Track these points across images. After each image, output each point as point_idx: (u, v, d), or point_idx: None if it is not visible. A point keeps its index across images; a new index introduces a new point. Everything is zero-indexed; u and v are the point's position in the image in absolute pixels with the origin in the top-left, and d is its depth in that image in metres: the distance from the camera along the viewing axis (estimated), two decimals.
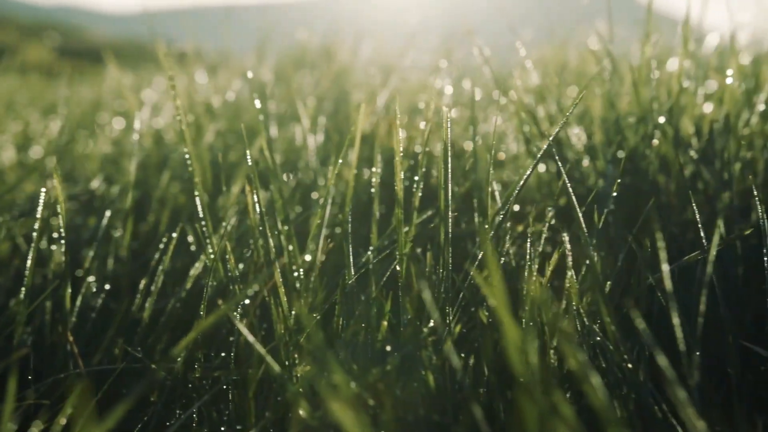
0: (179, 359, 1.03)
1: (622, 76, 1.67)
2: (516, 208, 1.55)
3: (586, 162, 1.57)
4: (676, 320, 0.76)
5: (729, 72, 1.42)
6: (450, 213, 0.99)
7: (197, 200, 1.18)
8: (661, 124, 1.45)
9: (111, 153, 2.03)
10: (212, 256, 1.15)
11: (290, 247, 1.22)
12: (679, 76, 1.49)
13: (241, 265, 1.30)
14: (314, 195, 1.63)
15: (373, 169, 1.35)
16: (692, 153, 1.40)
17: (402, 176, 0.97)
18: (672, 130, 1.48)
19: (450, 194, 0.99)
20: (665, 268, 0.74)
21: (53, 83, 5.37)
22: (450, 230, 1.00)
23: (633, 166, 1.50)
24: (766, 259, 0.99)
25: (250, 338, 0.77)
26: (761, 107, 1.45)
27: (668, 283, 0.75)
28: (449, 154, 0.99)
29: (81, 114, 2.68)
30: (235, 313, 1.06)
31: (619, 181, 1.34)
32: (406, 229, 1.04)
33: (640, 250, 1.12)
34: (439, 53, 2.52)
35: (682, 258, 1.08)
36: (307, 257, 1.24)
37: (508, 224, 1.22)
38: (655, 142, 1.49)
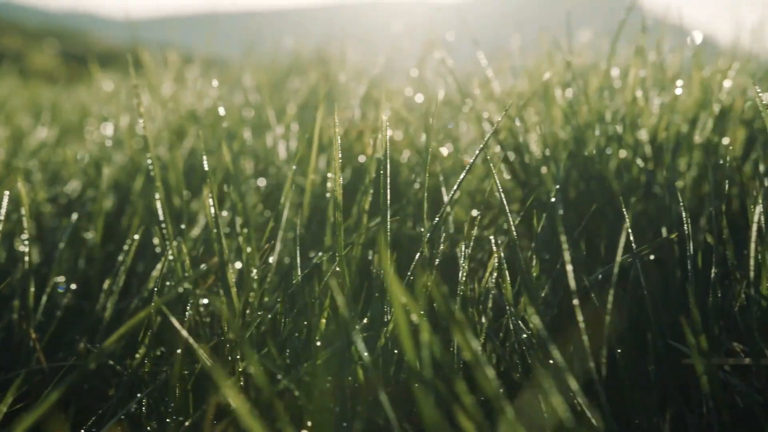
0: (138, 357, 1.09)
1: (585, 86, 1.72)
2: (474, 213, 1.59)
3: (545, 169, 1.62)
4: (579, 317, 0.81)
5: (678, 83, 1.47)
6: (389, 216, 1.05)
7: (158, 204, 1.23)
8: (616, 132, 1.50)
9: (94, 157, 2.09)
10: (171, 258, 1.21)
11: (248, 249, 1.27)
12: (634, 87, 1.54)
13: (204, 266, 1.36)
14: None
15: (329, 175, 1.40)
16: (639, 161, 1.44)
17: (341, 181, 1.02)
18: (629, 138, 1.54)
19: (388, 199, 1.05)
20: (569, 268, 0.79)
21: (52, 88, 5.44)
22: (389, 233, 1.05)
23: (588, 173, 1.55)
24: (689, 262, 1.04)
25: (184, 333, 0.82)
26: (709, 120, 1.50)
27: (572, 283, 0.80)
28: (388, 161, 1.05)
29: (68, 119, 2.74)
30: (188, 311, 1.12)
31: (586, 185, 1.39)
32: (350, 233, 1.09)
33: (576, 252, 1.17)
34: (423, 61, 2.57)
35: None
36: (270, 259, 1.29)
37: (455, 227, 1.27)
38: (610, 150, 1.54)
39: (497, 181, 1.04)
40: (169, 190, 1.64)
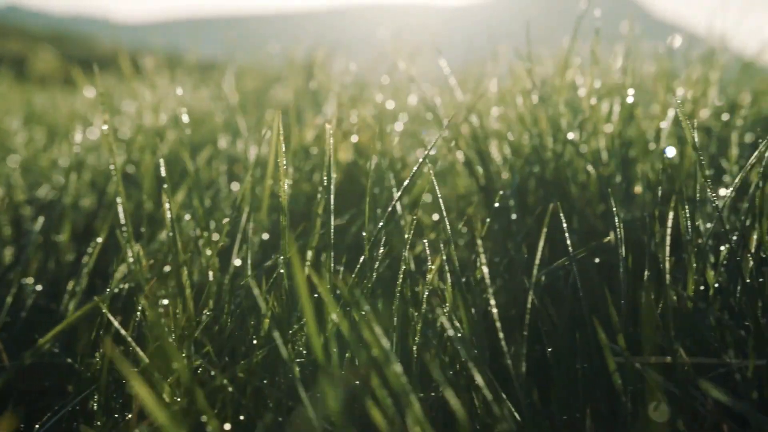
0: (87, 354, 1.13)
1: (548, 94, 1.77)
2: (435, 217, 1.64)
3: (505, 175, 1.66)
4: (498, 325, 0.85)
5: (630, 91, 1.51)
6: (332, 219, 1.09)
7: (119, 208, 1.28)
8: (570, 140, 1.54)
9: (73, 161, 2.14)
10: (131, 259, 1.25)
11: (208, 252, 1.32)
12: (589, 95, 1.58)
13: (167, 268, 1.40)
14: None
15: (286, 181, 1.45)
16: (589, 168, 1.49)
17: (286, 186, 1.07)
18: (590, 144, 1.58)
19: (332, 202, 1.09)
20: (484, 270, 0.83)
21: (48, 91, 5.50)
22: (332, 234, 1.09)
23: (544, 179, 1.59)
24: (621, 265, 1.08)
25: (123, 331, 0.86)
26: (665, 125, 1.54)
27: (487, 281, 0.84)
28: (332, 166, 1.09)
29: (59, 122, 2.80)
30: (139, 311, 1.16)
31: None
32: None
33: (518, 255, 1.21)
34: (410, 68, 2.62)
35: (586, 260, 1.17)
36: (237, 262, 1.33)
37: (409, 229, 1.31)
38: (567, 158, 1.59)
39: (435, 186, 1.08)
40: (137, 195, 1.69)
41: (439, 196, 1.07)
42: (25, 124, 2.98)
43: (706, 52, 2.33)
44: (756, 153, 1.03)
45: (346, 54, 3.81)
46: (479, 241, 0.92)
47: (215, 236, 1.32)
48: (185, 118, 1.37)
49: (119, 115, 2.68)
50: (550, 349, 1.04)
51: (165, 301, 1.29)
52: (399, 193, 1.13)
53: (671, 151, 1.60)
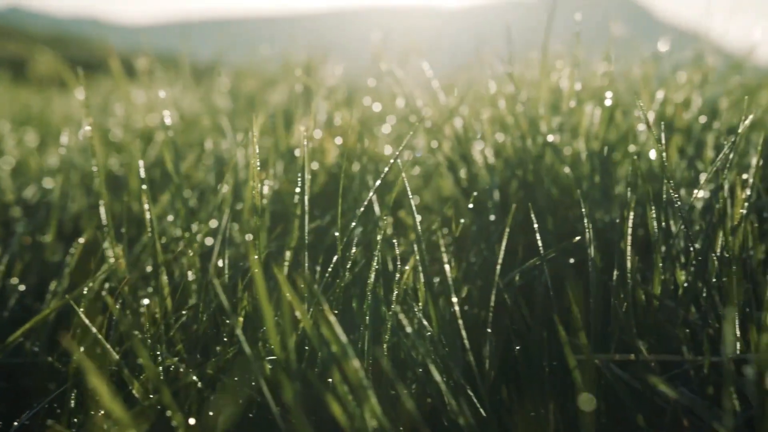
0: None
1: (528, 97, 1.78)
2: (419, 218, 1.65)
3: (487, 177, 1.68)
4: (460, 324, 0.87)
5: (608, 94, 1.53)
6: (306, 219, 1.11)
7: (101, 209, 1.30)
8: (550, 142, 1.56)
9: (65, 162, 2.16)
10: (111, 260, 1.27)
11: (190, 253, 1.34)
12: (568, 98, 1.60)
13: (149, 268, 1.42)
14: (239, 206, 1.75)
15: (267, 182, 1.47)
16: (566, 170, 1.50)
17: (258, 186, 1.09)
18: (570, 146, 1.60)
19: (306, 202, 1.11)
20: (446, 269, 0.85)
21: (46, 94, 5.53)
22: (306, 234, 1.11)
23: (524, 181, 1.61)
24: (590, 265, 1.10)
25: (93, 329, 0.88)
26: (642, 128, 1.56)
27: (449, 277, 0.86)
28: (306, 168, 1.11)
29: (50, 125, 2.82)
30: (118, 308, 1.18)
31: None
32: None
33: (491, 256, 1.23)
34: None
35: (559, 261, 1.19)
36: (222, 263, 1.35)
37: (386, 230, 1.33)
38: (548, 160, 1.60)
39: (407, 186, 1.10)
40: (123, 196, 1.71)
41: (410, 196, 1.09)
42: (21, 125, 3.01)
43: (695, 54, 2.35)
44: (720, 155, 1.05)
45: (346, 56, 3.84)
46: (441, 241, 0.93)
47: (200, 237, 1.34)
48: (169, 120, 1.39)
49: (113, 117, 2.70)
50: (518, 348, 1.06)
51: (146, 301, 1.31)
52: (372, 194, 1.15)
53: (653, 154, 1.62)
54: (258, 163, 1.09)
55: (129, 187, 1.73)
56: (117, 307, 0.88)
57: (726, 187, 1.05)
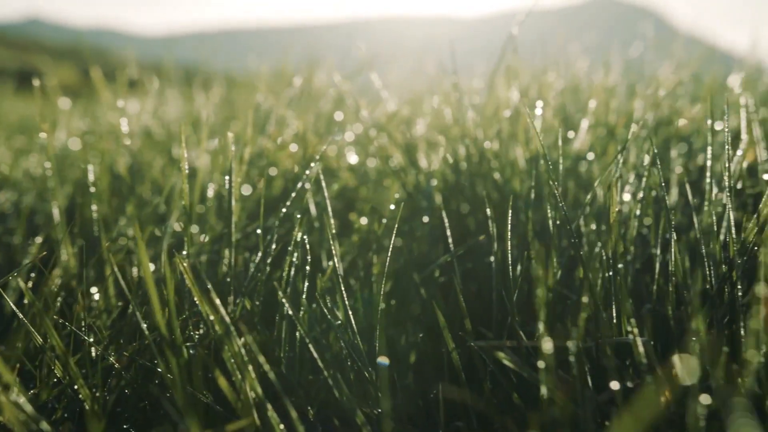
0: None
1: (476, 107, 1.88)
2: (363, 221, 1.75)
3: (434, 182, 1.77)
4: (349, 314, 0.97)
5: (539, 103, 1.62)
6: (234, 222, 1.21)
7: (54, 211, 1.41)
8: (485, 149, 1.66)
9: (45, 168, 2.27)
10: (63, 259, 1.38)
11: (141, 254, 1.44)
12: (502, 107, 1.69)
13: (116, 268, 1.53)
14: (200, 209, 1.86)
15: (237, 192, 1.57)
16: (497, 175, 1.60)
17: (186, 189, 1.19)
18: (508, 154, 1.69)
19: (233, 205, 1.21)
20: (336, 264, 0.95)
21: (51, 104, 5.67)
22: (234, 237, 1.22)
23: (462, 187, 1.70)
24: (493, 261, 1.19)
25: (18, 314, 0.99)
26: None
27: (339, 272, 0.96)
28: (233, 171, 1.21)
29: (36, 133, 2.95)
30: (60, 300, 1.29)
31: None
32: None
33: (410, 256, 1.32)
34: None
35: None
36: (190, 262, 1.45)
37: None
38: (485, 167, 1.70)
39: (326, 195, 1.20)
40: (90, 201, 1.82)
41: (326, 197, 1.19)
42: (12, 133, 3.14)
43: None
44: (611, 166, 1.14)
45: (353, 65, 3.94)
46: (333, 242, 1.03)
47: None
48: (126, 129, 1.51)
49: (99, 126, 2.82)
50: (421, 335, 1.15)
51: (96, 296, 1.42)
52: (293, 195, 1.25)
53: (590, 156, 1.71)
54: (187, 167, 1.20)
55: (97, 191, 1.84)
56: (28, 295, 0.99)
57: (616, 190, 1.14)
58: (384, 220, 1.32)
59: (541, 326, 0.75)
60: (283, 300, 0.95)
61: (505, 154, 1.69)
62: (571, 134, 1.69)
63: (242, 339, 0.92)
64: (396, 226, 1.02)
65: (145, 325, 1.03)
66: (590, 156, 1.69)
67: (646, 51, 3.16)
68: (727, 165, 1.02)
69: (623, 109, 2.01)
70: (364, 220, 1.79)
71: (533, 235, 1.29)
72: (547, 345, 0.68)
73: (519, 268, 1.23)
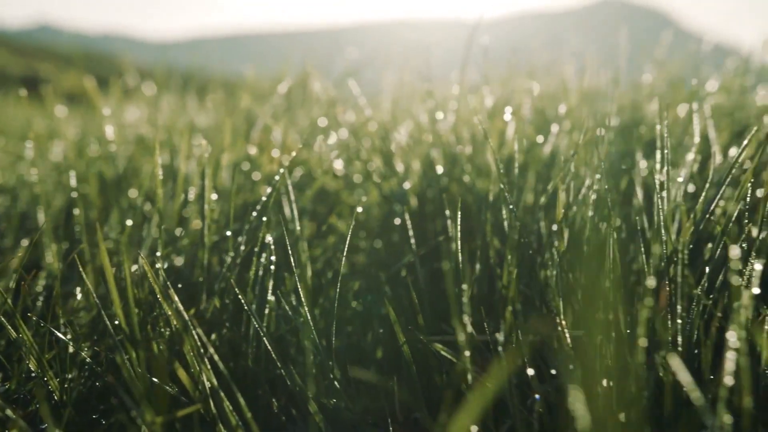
0: None
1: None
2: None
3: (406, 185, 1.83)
4: (305, 308, 1.03)
5: (507, 110, 1.68)
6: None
7: (40, 216, 1.48)
8: (456, 154, 1.71)
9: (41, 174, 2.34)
10: (49, 260, 1.45)
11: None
12: (474, 113, 1.75)
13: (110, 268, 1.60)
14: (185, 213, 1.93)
15: (208, 196, 1.64)
16: (466, 178, 1.65)
17: (162, 193, 1.26)
18: (477, 158, 1.75)
19: (205, 208, 1.28)
20: (306, 261, 1.01)
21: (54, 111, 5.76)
22: (207, 239, 1.28)
23: (437, 189, 1.76)
24: (452, 261, 1.25)
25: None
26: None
27: (308, 272, 1.02)
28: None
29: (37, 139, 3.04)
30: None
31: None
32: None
33: (378, 257, 1.38)
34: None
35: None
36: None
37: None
38: (457, 172, 1.75)
39: (290, 191, 1.26)
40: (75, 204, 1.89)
41: (293, 200, 1.25)
42: (19, 140, 3.21)
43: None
44: (564, 167, 1.19)
45: (364, 69, 4.01)
46: (300, 243, 1.09)
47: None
48: (111, 135, 1.57)
49: (96, 132, 2.90)
50: (381, 330, 1.21)
51: (79, 296, 1.49)
52: (265, 198, 1.31)
53: (558, 161, 1.77)
54: (160, 173, 1.26)
55: (85, 196, 1.91)
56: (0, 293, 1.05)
57: (561, 193, 1.20)
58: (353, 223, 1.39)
59: (465, 319, 0.81)
60: (240, 297, 1.01)
61: (477, 158, 1.75)
62: (549, 138, 1.74)
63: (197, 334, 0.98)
64: (352, 227, 1.08)
65: (117, 322, 1.09)
66: (560, 158, 1.75)
67: (650, 51, 3.20)
68: (662, 168, 1.08)
69: (603, 113, 2.06)
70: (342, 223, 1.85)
71: (491, 236, 1.34)
72: (461, 336, 0.74)
73: (478, 266, 1.29)
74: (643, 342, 0.71)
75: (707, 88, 2.45)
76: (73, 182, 1.40)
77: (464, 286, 0.85)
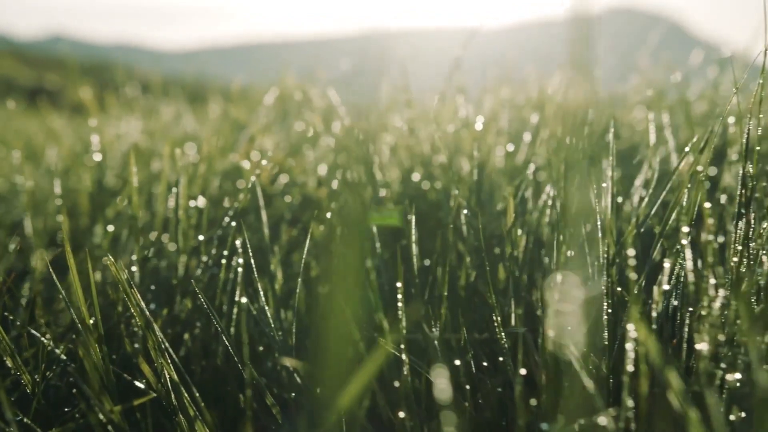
0: None
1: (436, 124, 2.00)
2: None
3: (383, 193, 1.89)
4: (261, 301, 1.09)
5: (479, 118, 1.74)
6: (181, 231, 1.34)
7: (27, 222, 1.55)
8: (432, 164, 1.78)
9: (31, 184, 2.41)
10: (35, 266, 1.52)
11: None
12: (447, 122, 1.81)
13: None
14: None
15: (193, 203, 1.70)
16: (437, 184, 1.72)
17: (136, 200, 1.32)
18: (451, 166, 1.81)
19: (179, 213, 1.34)
20: (274, 262, 1.07)
21: (68, 120, 5.87)
22: (182, 243, 1.34)
23: (416, 197, 1.82)
24: (415, 262, 1.31)
25: None
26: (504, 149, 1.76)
27: (279, 275, 1.08)
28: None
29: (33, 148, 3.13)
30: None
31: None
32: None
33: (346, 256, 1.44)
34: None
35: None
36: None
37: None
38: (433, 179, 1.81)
39: (260, 197, 1.32)
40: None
41: (262, 206, 1.31)
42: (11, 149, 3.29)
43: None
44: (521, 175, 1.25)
45: (366, 78, 4.08)
46: (272, 245, 1.15)
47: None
48: (96, 145, 1.64)
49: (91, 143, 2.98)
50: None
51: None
52: (236, 204, 1.38)
53: (531, 167, 1.82)
54: (132, 181, 1.33)
55: (76, 204, 1.99)
56: None
57: (512, 198, 1.26)
58: (321, 227, 1.45)
59: (402, 316, 0.86)
60: (200, 297, 1.08)
61: (451, 166, 1.81)
62: (526, 146, 1.80)
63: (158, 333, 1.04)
64: (311, 231, 1.14)
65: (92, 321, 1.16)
66: (531, 167, 1.80)
67: (651, 57, 3.24)
68: (611, 174, 1.13)
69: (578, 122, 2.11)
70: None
71: (453, 241, 1.40)
72: (398, 336, 0.79)
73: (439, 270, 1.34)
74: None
75: (689, 95, 2.50)
76: (57, 190, 1.47)
77: (398, 284, 0.91)
